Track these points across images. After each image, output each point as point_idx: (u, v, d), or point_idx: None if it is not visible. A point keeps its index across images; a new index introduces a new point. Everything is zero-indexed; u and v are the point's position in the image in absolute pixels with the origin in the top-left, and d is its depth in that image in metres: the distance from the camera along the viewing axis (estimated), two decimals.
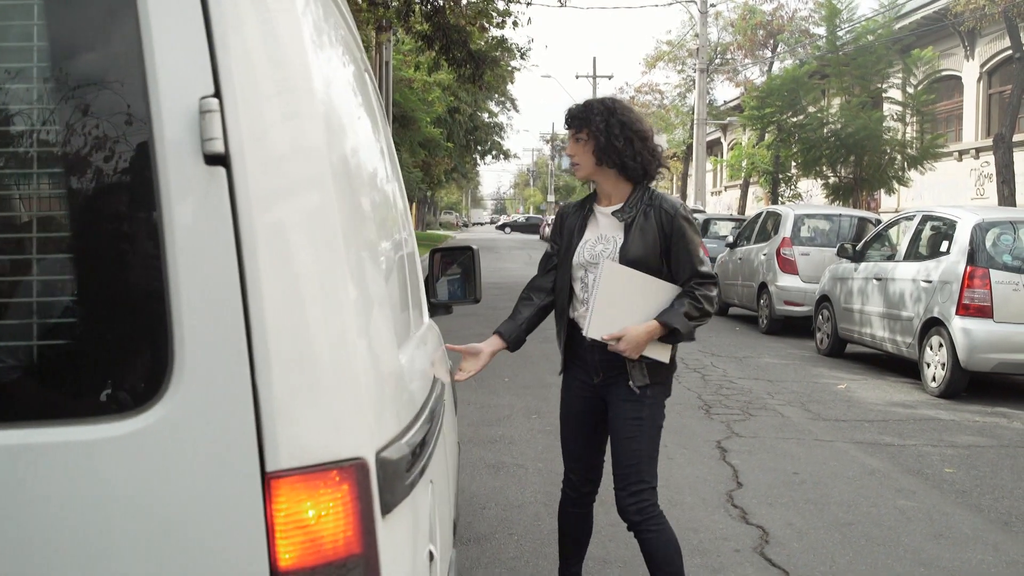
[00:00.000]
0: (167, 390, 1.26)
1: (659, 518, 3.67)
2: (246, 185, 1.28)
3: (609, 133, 3.48)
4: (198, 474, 1.26)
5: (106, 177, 1.28)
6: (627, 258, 3.49)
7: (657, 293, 3.50)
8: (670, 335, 3.49)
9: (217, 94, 1.27)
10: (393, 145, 3.39)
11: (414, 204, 67.77)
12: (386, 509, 1.37)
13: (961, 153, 24.67)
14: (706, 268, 3.52)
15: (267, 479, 1.27)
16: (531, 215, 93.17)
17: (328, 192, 1.36)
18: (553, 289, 3.80)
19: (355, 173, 1.59)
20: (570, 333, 3.71)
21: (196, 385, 1.26)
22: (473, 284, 4.44)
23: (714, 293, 3.51)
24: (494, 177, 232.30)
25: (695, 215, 20.76)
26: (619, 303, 3.46)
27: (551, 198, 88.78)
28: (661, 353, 3.56)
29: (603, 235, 3.62)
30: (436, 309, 4.31)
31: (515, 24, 18.25)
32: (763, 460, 6.88)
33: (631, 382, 3.56)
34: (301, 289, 1.31)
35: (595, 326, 3.52)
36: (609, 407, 3.66)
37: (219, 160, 1.27)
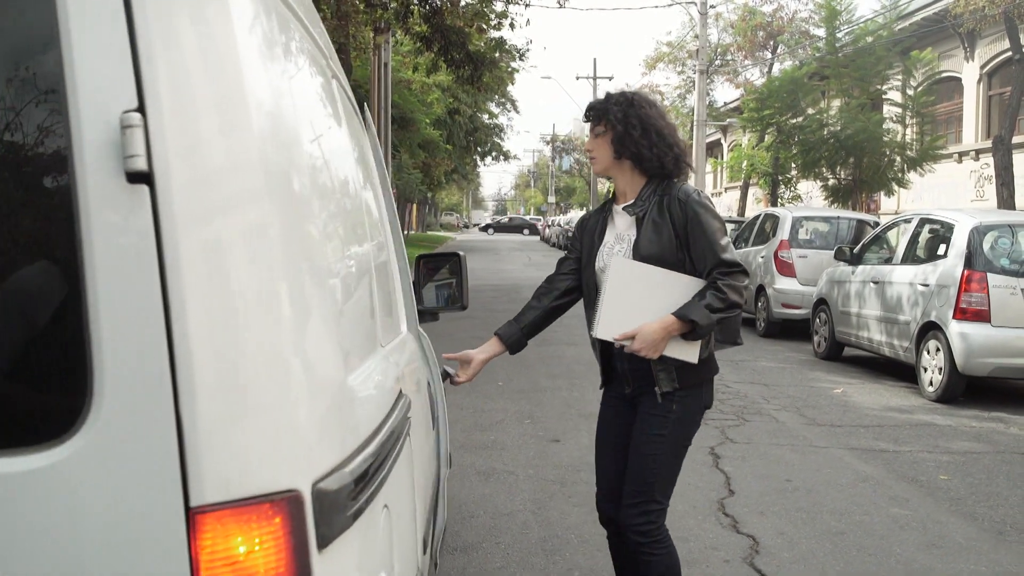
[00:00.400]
0: (85, 420, 1.20)
1: (664, 541, 3.45)
2: (171, 204, 1.21)
3: (627, 123, 3.35)
4: (118, 509, 1.20)
5: (20, 195, 1.22)
6: (640, 254, 3.31)
7: (675, 287, 3.24)
8: (693, 331, 3.21)
9: (141, 108, 1.21)
10: (379, 152, 3.32)
11: (414, 205, 67.74)
12: (324, 542, 1.30)
13: (961, 155, 24.59)
14: (730, 255, 3.24)
15: (191, 514, 1.20)
16: (514, 216, 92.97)
17: (265, 209, 1.29)
18: (566, 291, 3.65)
19: (307, 187, 1.51)
20: (603, 344, 3.50)
21: (116, 415, 1.20)
22: (460, 291, 4.38)
23: (743, 283, 3.23)
24: (495, 178, 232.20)
25: None
26: (632, 300, 3.24)
27: (552, 199, 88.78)
28: (688, 352, 3.28)
29: (620, 235, 3.46)
30: (423, 316, 4.26)
31: (512, 26, 18.19)
32: (756, 467, 6.81)
33: (657, 387, 3.35)
34: (230, 312, 1.24)
35: (603, 325, 3.31)
36: (636, 418, 3.45)
37: (142, 178, 1.21)
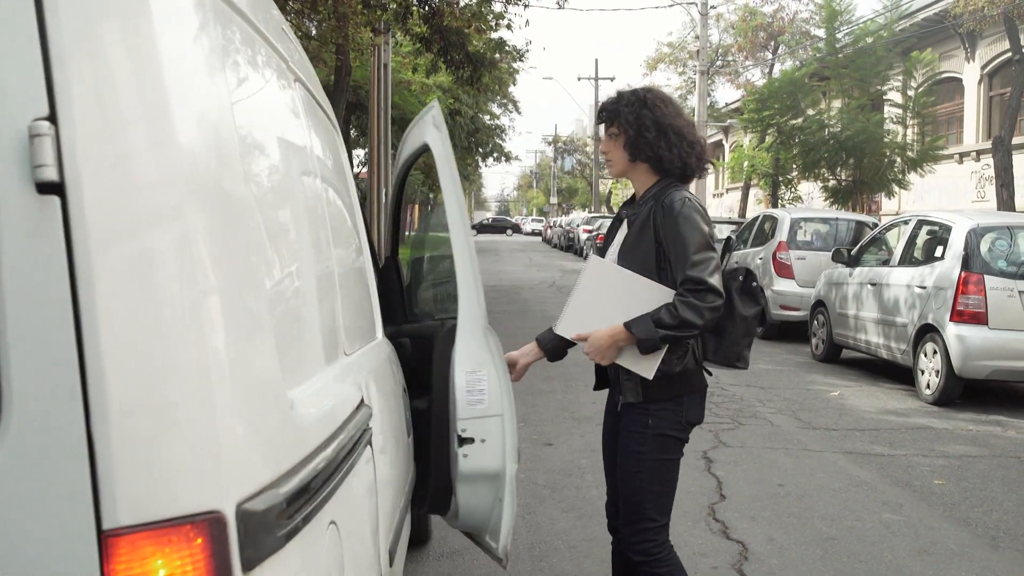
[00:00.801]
0: None
1: (667, 560, 3.31)
2: (84, 216, 1.16)
3: (640, 126, 3.21)
4: (26, 532, 1.15)
5: None
6: (621, 259, 3.23)
7: (646, 296, 3.10)
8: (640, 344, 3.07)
9: (52, 117, 1.16)
10: (346, 161, 3.27)
11: (416, 206, 67.62)
12: (249, 565, 1.25)
13: (962, 155, 24.50)
14: (698, 272, 3.02)
15: (104, 537, 1.15)
16: (497, 216, 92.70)
17: (191, 223, 1.24)
18: None
19: (248, 198, 1.45)
20: None
21: (25, 435, 1.15)
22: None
23: (705, 303, 3.01)
24: (497, 179, 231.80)
25: None
26: (600, 302, 3.15)
27: (554, 200, 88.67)
28: (643, 366, 3.14)
29: (620, 238, 3.39)
30: (418, 318, 4.22)
31: (508, 27, 18.14)
32: (749, 471, 6.76)
33: (620, 396, 3.27)
34: (149, 327, 1.19)
35: (566, 322, 3.24)
36: (620, 431, 3.36)
37: (53, 188, 1.16)
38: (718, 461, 7.01)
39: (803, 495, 6.20)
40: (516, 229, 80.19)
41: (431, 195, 65.79)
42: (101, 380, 1.15)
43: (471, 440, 3.33)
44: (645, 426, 3.23)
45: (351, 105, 28.54)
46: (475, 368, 3.36)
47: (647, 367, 3.15)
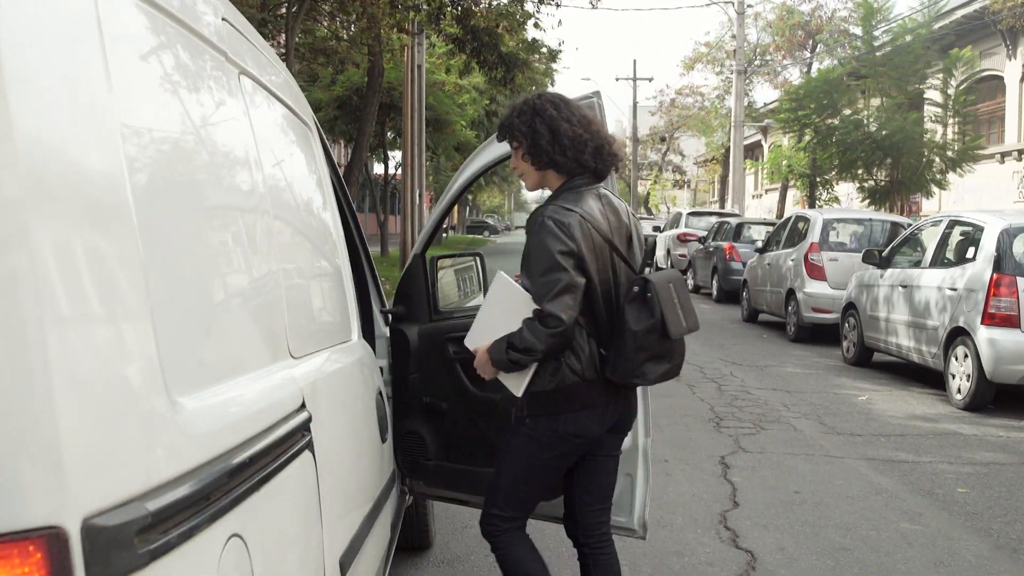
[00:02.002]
0: None
1: (501, 547, 3.38)
2: None
3: (534, 134, 3.14)
4: None
5: None
6: (521, 272, 3.17)
7: (528, 312, 3.05)
8: None
9: None
10: (322, 160, 3.18)
11: (454, 207, 67.57)
12: None
13: (1003, 155, 24.05)
14: (538, 297, 2.99)
15: None
16: (478, 218, 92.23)
17: (27, 221, 1.13)
18: None
19: (122, 206, 1.34)
20: None
21: None
22: (482, 290, 4.35)
23: (546, 327, 2.95)
24: None
25: (729, 219, 20.30)
26: (496, 317, 3.14)
27: None
28: (512, 384, 3.16)
29: None
30: (442, 316, 4.13)
31: (537, 26, 18.04)
32: (765, 477, 6.59)
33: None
34: None
35: (471, 335, 3.28)
36: None
37: None
38: (735, 467, 6.85)
39: (819, 503, 6.03)
40: (492, 231, 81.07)
41: (469, 196, 65.91)
42: None
43: None
44: (522, 423, 3.25)
45: (385, 107, 28.60)
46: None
47: (515, 385, 3.17)
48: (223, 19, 2.14)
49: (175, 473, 1.37)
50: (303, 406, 2.08)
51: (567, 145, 3.14)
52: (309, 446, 2.08)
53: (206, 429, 1.51)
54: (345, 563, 2.35)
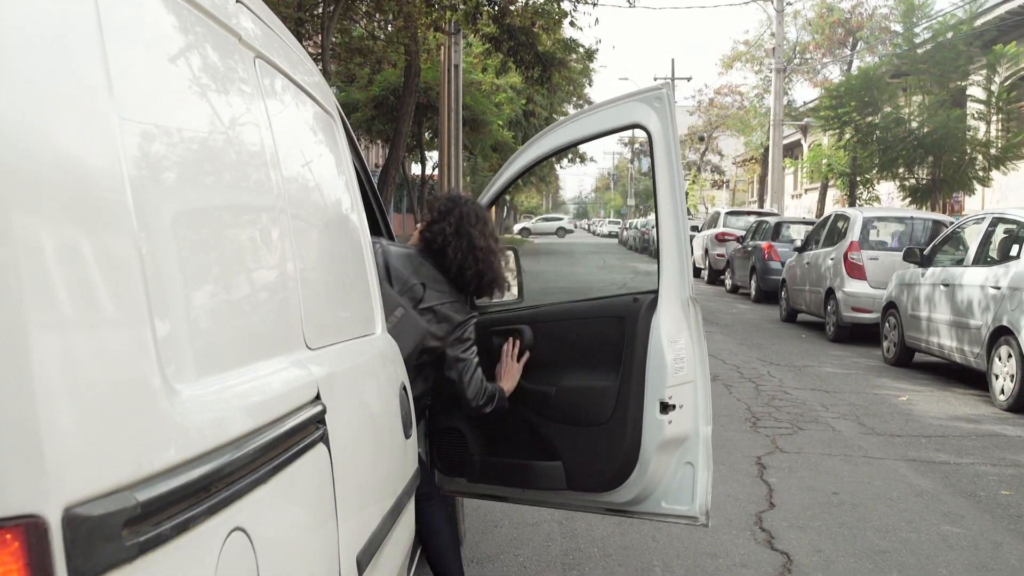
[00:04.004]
0: None
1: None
2: None
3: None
4: None
5: None
6: None
7: None
8: None
9: None
10: (346, 150, 3.13)
11: (491, 207, 67.58)
12: None
13: None
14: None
15: None
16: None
17: (11, 230, 1.08)
18: None
19: (116, 193, 1.29)
20: None
21: None
22: (518, 284, 4.37)
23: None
24: (575, 181, 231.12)
25: (767, 219, 20.24)
26: None
27: (631, 202, 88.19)
28: None
29: None
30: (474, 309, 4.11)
31: (573, 24, 17.96)
32: (803, 478, 6.47)
33: None
34: None
35: None
36: None
37: None
38: (772, 467, 6.73)
39: (858, 504, 5.90)
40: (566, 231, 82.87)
41: (508, 197, 65.89)
42: None
43: (673, 407, 3.57)
44: None
45: (422, 106, 28.61)
46: (676, 337, 3.62)
47: None
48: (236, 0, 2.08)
49: (169, 463, 1.31)
50: (317, 398, 2.02)
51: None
52: (324, 439, 2.02)
53: (206, 418, 1.45)
54: (363, 561, 2.28)
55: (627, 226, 60.61)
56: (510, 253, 4.40)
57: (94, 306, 1.22)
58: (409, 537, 3.13)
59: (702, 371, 3.66)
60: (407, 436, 3.05)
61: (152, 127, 1.51)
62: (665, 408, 3.56)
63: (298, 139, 2.47)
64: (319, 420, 2.00)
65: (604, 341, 3.81)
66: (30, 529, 1.06)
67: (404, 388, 3.12)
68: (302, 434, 1.87)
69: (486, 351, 3.99)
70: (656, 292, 3.71)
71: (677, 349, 3.60)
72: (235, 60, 1.99)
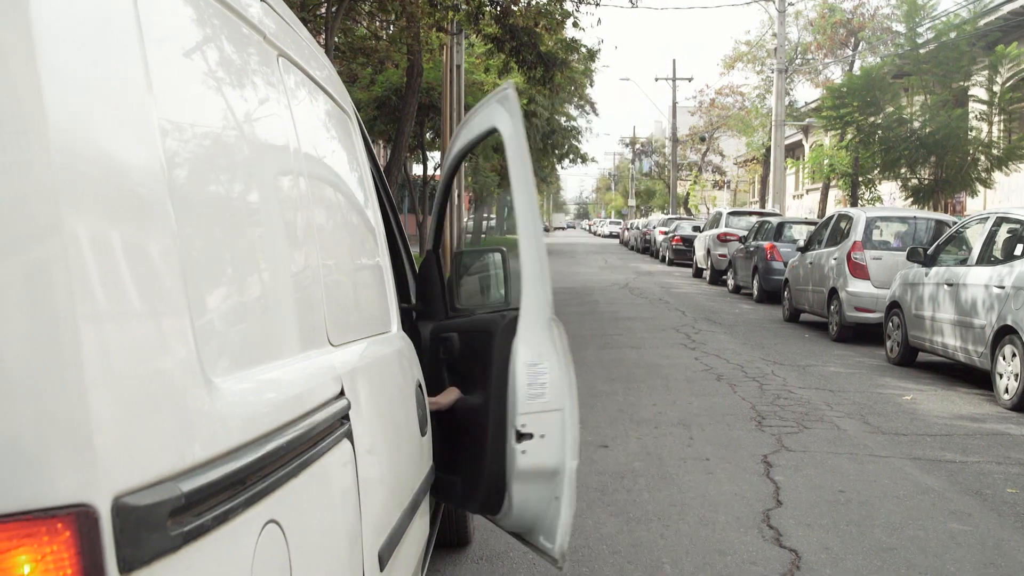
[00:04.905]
0: None
1: None
2: None
3: None
4: None
5: None
6: None
7: None
8: None
9: None
10: (361, 150, 3.15)
11: (492, 208, 67.66)
12: (129, 567, 1.12)
13: None
14: None
15: None
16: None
17: (59, 225, 1.10)
18: None
19: (159, 191, 1.31)
20: None
21: None
22: (506, 287, 4.25)
23: None
24: (576, 181, 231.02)
25: (770, 219, 20.29)
26: None
27: (632, 202, 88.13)
28: None
29: None
30: (459, 313, 4.10)
31: (575, 24, 17.96)
32: (809, 476, 6.49)
33: None
34: (6, 302, 1.06)
35: None
36: None
37: None
38: (778, 466, 6.75)
39: (865, 502, 5.92)
40: None
41: (509, 197, 65.74)
42: None
43: (530, 436, 3.24)
44: None
45: (424, 106, 28.61)
46: (536, 360, 3.26)
47: None
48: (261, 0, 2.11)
49: (211, 454, 1.33)
50: (342, 393, 2.04)
51: None
52: (348, 435, 2.04)
53: (243, 411, 1.47)
54: (384, 556, 2.30)
55: (629, 226, 60.60)
56: (499, 255, 4.30)
57: (138, 300, 1.24)
58: (425, 533, 3.15)
59: (570, 399, 3.32)
60: (423, 433, 3.07)
61: (186, 125, 1.53)
62: (520, 437, 3.25)
63: (318, 137, 2.50)
64: (344, 415, 2.03)
65: (484, 358, 3.55)
66: (81, 518, 1.07)
67: (420, 386, 3.14)
68: (329, 428, 1.90)
69: (435, 359, 3.91)
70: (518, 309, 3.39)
71: (536, 373, 3.26)
72: (260, 58, 2.01)
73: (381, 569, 2.28)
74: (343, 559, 1.94)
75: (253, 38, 1.98)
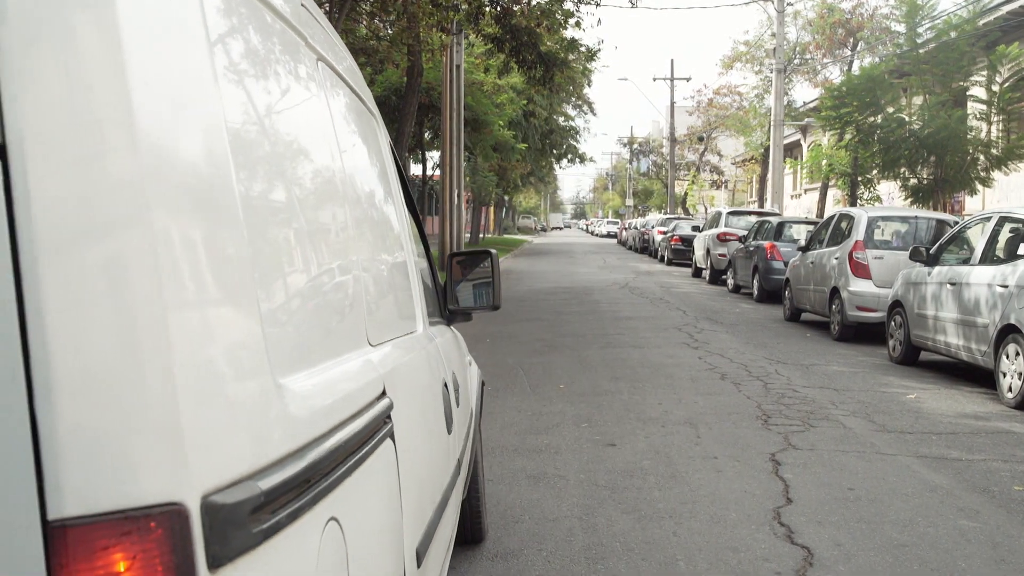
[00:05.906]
0: None
1: None
2: (26, 185, 1.06)
3: None
4: None
5: None
6: None
7: None
8: None
9: None
10: (387, 151, 3.19)
11: (490, 208, 67.76)
12: (217, 563, 1.15)
13: None
14: None
15: (50, 529, 1.06)
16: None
17: (144, 218, 1.13)
18: None
19: (231, 193, 1.35)
20: None
21: None
22: (492, 290, 4.23)
23: None
24: (574, 181, 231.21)
25: (770, 218, 20.31)
26: None
27: (629, 202, 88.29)
28: None
29: None
30: (455, 315, 4.14)
31: (578, 24, 18.00)
32: (818, 474, 6.53)
33: None
34: (98, 302, 1.09)
35: None
36: None
37: None
38: (786, 464, 6.79)
39: (874, 500, 5.96)
40: None
41: (506, 197, 65.92)
42: (46, 357, 1.05)
43: None
44: None
45: (424, 107, 28.67)
46: None
47: None
48: (301, 4, 2.14)
49: (282, 453, 1.37)
50: (384, 393, 2.08)
51: None
52: (391, 434, 2.08)
53: (306, 410, 1.51)
54: (421, 552, 2.34)
55: (627, 226, 60.67)
56: (488, 257, 4.29)
57: (219, 301, 1.28)
58: (452, 530, 3.20)
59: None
60: (449, 432, 3.11)
61: (248, 128, 1.57)
62: None
63: (354, 138, 2.54)
64: (387, 415, 2.07)
65: None
66: (172, 517, 1.10)
67: (445, 384, 3.18)
68: (376, 427, 1.94)
69: None
70: None
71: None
72: (304, 63, 2.05)
73: (419, 566, 2.32)
74: (389, 556, 1.98)
75: (297, 42, 2.02)
